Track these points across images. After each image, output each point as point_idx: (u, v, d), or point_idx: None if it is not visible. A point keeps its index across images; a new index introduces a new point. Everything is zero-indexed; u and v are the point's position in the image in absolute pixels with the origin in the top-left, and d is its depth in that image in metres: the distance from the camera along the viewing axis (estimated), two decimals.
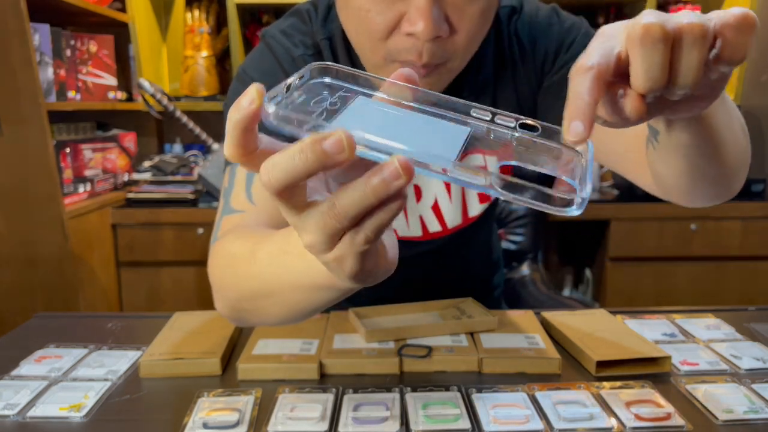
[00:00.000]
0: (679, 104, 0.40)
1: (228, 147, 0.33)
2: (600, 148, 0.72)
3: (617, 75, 0.37)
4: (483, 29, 0.65)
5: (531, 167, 0.34)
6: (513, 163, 0.35)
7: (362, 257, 0.35)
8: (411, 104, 0.36)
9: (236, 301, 0.57)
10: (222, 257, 0.60)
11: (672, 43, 0.35)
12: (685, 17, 0.35)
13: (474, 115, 0.36)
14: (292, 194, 0.33)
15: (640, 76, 0.35)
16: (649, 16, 0.35)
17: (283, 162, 0.31)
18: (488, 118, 0.36)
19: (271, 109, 0.32)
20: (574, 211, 0.32)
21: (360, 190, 0.32)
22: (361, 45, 0.66)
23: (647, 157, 0.61)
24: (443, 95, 0.36)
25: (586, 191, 0.32)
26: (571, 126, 0.34)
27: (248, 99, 0.32)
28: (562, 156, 0.36)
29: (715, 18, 0.36)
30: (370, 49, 0.64)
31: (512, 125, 0.36)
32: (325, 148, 0.30)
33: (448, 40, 0.62)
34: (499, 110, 0.36)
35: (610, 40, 0.38)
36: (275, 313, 0.54)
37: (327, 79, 0.36)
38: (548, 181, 0.36)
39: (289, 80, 0.35)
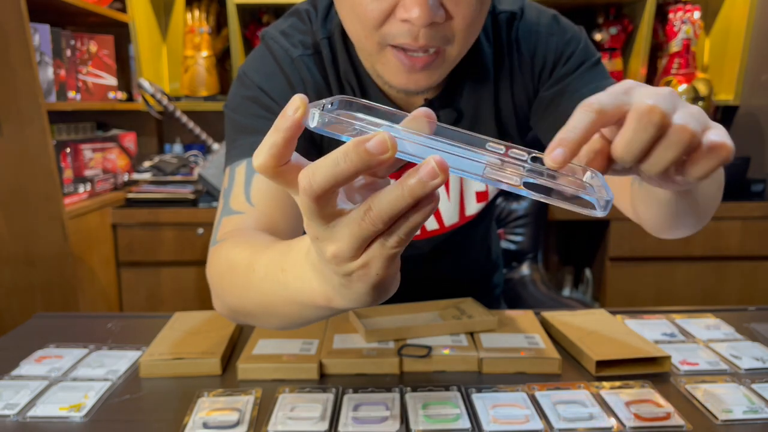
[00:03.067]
0: (652, 180, 0.44)
1: (264, 157, 0.34)
2: None
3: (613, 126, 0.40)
4: (480, 15, 0.65)
5: (552, 184, 0.36)
6: (531, 180, 0.36)
7: (389, 262, 0.36)
8: (431, 137, 0.38)
9: (234, 306, 0.58)
10: (220, 263, 0.60)
11: (662, 132, 0.38)
12: (688, 118, 0.39)
13: (489, 148, 0.38)
14: (328, 201, 0.34)
15: (620, 144, 0.39)
16: (661, 97, 0.39)
17: (326, 166, 0.32)
18: (502, 152, 0.37)
19: (316, 114, 0.34)
20: (598, 213, 0.35)
21: (397, 192, 0.32)
22: (356, 33, 0.66)
23: (631, 189, 0.64)
24: (461, 129, 0.38)
25: (609, 194, 0.35)
26: (555, 151, 0.37)
27: (293, 108, 0.33)
28: (574, 183, 0.37)
29: (711, 131, 0.39)
30: (365, 36, 0.64)
31: (524, 158, 0.37)
32: (369, 148, 0.31)
33: (445, 25, 0.62)
34: (513, 144, 0.38)
35: (627, 95, 0.40)
36: (271, 323, 0.54)
37: (352, 112, 0.38)
38: None
39: (323, 101, 0.37)
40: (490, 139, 0.38)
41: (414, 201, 0.32)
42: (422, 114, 0.38)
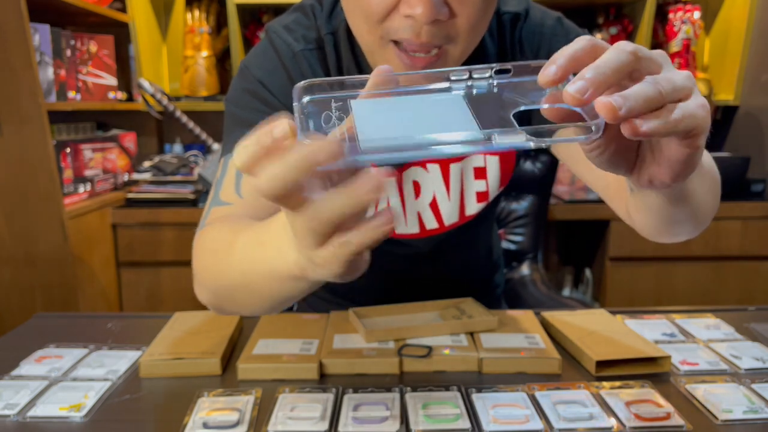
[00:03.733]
0: (642, 175, 0.43)
1: (245, 158, 0.35)
2: (586, 175, 0.74)
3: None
4: (485, 16, 0.65)
5: (536, 107, 0.38)
6: (521, 108, 0.37)
7: (347, 264, 0.38)
8: (399, 91, 0.38)
9: (215, 289, 0.59)
10: (204, 246, 0.61)
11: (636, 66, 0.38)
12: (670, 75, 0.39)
13: (453, 78, 0.39)
14: (290, 198, 0.36)
15: (594, 63, 0.37)
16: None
17: (332, 210, 0.35)
18: (466, 77, 0.38)
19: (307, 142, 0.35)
20: (594, 136, 0.36)
21: (338, 199, 0.35)
22: (358, 27, 0.66)
23: (629, 197, 0.65)
24: (418, 72, 0.39)
25: (600, 119, 0.36)
26: (578, 83, 0.36)
27: (281, 132, 0.34)
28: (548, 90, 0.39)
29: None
30: (368, 30, 0.64)
31: (488, 75, 0.38)
32: (364, 194, 0.34)
33: (449, 23, 0.62)
34: (473, 66, 0.38)
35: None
36: (250, 302, 0.55)
37: (314, 96, 0.38)
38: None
39: (295, 110, 0.37)
40: (450, 69, 0.39)
41: (353, 209, 0.35)
42: (384, 71, 0.38)
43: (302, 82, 0.38)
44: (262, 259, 0.48)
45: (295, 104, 0.37)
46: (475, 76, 0.38)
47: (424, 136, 0.34)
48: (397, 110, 0.36)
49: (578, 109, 0.37)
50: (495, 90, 0.38)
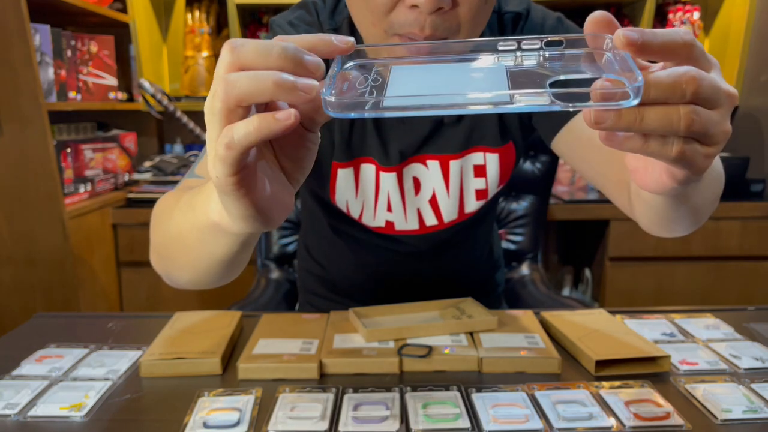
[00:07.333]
0: (650, 178, 0.43)
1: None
2: (586, 171, 0.75)
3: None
4: (486, 6, 0.65)
5: (576, 76, 0.35)
6: (560, 77, 0.36)
7: (227, 167, 0.38)
8: (443, 58, 0.38)
9: (158, 247, 0.61)
10: (157, 209, 0.64)
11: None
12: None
13: (501, 48, 0.38)
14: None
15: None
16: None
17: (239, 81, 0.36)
18: (515, 47, 0.38)
19: (332, 99, 0.35)
20: (633, 102, 0.33)
21: (246, 78, 0.36)
22: (363, 20, 0.66)
23: (631, 189, 0.65)
24: (463, 41, 0.38)
25: (639, 79, 0.33)
26: (631, 35, 0.34)
27: (308, 86, 0.36)
28: (596, 59, 0.37)
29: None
30: (372, 23, 0.64)
31: (538, 46, 0.37)
32: (274, 78, 0.36)
33: (451, 13, 0.62)
34: (523, 37, 0.38)
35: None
36: (185, 258, 0.56)
37: (358, 61, 0.39)
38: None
39: (329, 72, 0.38)
40: (500, 38, 0.38)
41: (271, 87, 0.36)
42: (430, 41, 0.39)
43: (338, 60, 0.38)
44: (192, 207, 0.51)
45: (333, 65, 0.38)
46: (524, 46, 0.37)
47: (445, 95, 0.33)
48: (434, 76, 0.36)
49: (615, 76, 0.34)
50: (542, 61, 0.37)
